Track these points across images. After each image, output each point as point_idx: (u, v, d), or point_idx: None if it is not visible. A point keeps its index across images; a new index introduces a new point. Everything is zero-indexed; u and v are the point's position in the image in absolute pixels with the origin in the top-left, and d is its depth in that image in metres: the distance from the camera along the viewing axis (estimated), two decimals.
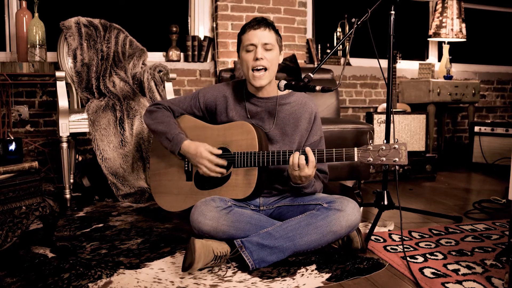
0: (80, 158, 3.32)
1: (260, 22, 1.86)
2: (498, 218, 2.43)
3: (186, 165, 2.02)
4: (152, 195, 2.17)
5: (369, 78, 4.31)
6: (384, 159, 1.69)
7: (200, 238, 1.78)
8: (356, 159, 1.72)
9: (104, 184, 2.78)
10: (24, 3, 3.12)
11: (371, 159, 1.70)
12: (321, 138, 2.01)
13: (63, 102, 2.66)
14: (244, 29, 1.89)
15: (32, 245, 1.93)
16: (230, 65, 3.66)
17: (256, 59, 1.83)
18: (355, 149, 1.73)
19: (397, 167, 1.78)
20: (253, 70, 1.86)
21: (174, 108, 2.06)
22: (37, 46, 3.05)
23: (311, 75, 1.82)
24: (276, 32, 1.90)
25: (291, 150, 1.80)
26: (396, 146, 1.67)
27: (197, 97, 2.05)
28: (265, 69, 1.86)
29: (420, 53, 4.76)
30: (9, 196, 1.73)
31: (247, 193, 1.87)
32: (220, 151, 1.90)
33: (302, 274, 1.66)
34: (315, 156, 1.75)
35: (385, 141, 1.73)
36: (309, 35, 4.06)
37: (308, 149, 1.75)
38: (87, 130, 2.70)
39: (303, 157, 1.74)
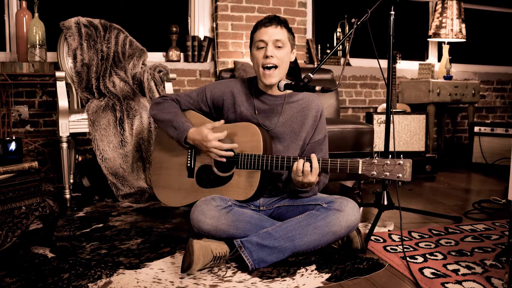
0: (80, 158, 3.32)
1: (272, 20, 1.85)
2: (498, 218, 2.43)
3: (189, 162, 2.02)
4: (152, 194, 2.17)
5: (369, 78, 4.31)
6: (387, 174, 1.68)
7: (200, 238, 1.79)
8: (360, 172, 1.71)
9: (104, 184, 2.78)
10: (24, 3, 3.12)
11: (375, 173, 1.69)
12: (325, 137, 2.01)
13: (63, 102, 2.66)
14: (255, 27, 1.89)
15: (31, 245, 1.93)
16: (230, 65, 3.66)
17: (266, 56, 1.83)
18: (360, 161, 1.71)
19: (400, 183, 1.78)
20: (263, 68, 1.85)
21: (182, 101, 2.05)
22: (37, 46, 3.05)
23: (311, 75, 1.82)
24: (289, 30, 1.89)
25: (295, 157, 1.79)
26: (401, 162, 1.67)
27: (204, 92, 2.03)
28: (276, 66, 1.85)
29: (420, 53, 4.76)
30: (8, 196, 1.73)
31: (248, 195, 1.87)
32: (222, 121, 1.90)
33: (302, 274, 1.66)
34: (319, 164, 1.75)
35: (390, 156, 1.73)
36: (309, 35, 4.07)
37: (313, 156, 1.74)
38: (87, 130, 2.70)
39: (308, 164, 1.73)
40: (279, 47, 1.84)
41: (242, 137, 1.90)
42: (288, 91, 1.93)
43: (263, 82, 1.89)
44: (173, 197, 2.06)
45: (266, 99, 1.95)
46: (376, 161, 1.70)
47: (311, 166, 1.74)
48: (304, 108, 1.95)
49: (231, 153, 1.88)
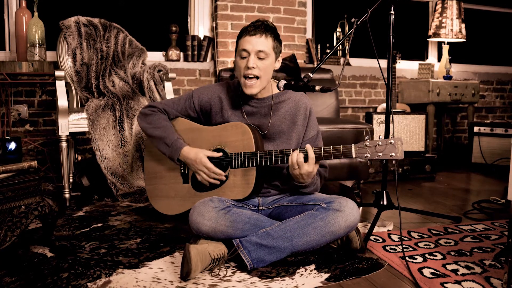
0: (79, 158, 3.32)
1: (258, 28, 1.81)
2: (497, 219, 2.43)
3: (182, 168, 2.02)
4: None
5: (368, 78, 4.31)
6: (381, 154, 1.71)
7: (198, 239, 1.78)
8: (354, 155, 1.73)
9: (103, 184, 2.78)
10: (23, 2, 3.12)
11: (368, 155, 1.72)
12: (318, 132, 2.01)
13: (62, 101, 2.66)
14: (241, 33, 1.85)
15: (31, 244, 1.93)
16: (230, 65, 3.66)
17: (248, 67, 1.81)
18: (353, 145, 1.74)
19: (394, 162, 1.79)
20: (245, 77, 1.84)
21: (169, 110, 2.04)
22: (37, 45, 3.05)
23: (311, 75, 1.82)
24: (275, 38, 1.85)
25: (288, 149, 1.80)
26: (392, 141, 1.70)
27: (191, 98, 2.03)
28: (257, 77, 1.83)
29: (419, 53, 4.76)
30: (8, 195, 1.73)
31: (246, 193, 1.87)
32: (220, 154, 1.90)
33: (301, 274, 1.66)
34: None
35: (380, 137, 1.74)
36: (309, 35, 4.06)
37: (308, 146, 1.75)
38: (86, 129, 2.70)
39: (301, 155, 1.74)
40: (262, 58, 1.82)
41: (232, 137, 1.90)
42: (275, 92, 1.94)
43: (244, 92, 1.88)
44: (171, 206, 2.06)
45: (253, 103, 1.94)
46: (368, 143, 1.72)
47: (305, 157, 1.74)
48: (292, 108, 1.95)
49: (219, 180, 1.89)
